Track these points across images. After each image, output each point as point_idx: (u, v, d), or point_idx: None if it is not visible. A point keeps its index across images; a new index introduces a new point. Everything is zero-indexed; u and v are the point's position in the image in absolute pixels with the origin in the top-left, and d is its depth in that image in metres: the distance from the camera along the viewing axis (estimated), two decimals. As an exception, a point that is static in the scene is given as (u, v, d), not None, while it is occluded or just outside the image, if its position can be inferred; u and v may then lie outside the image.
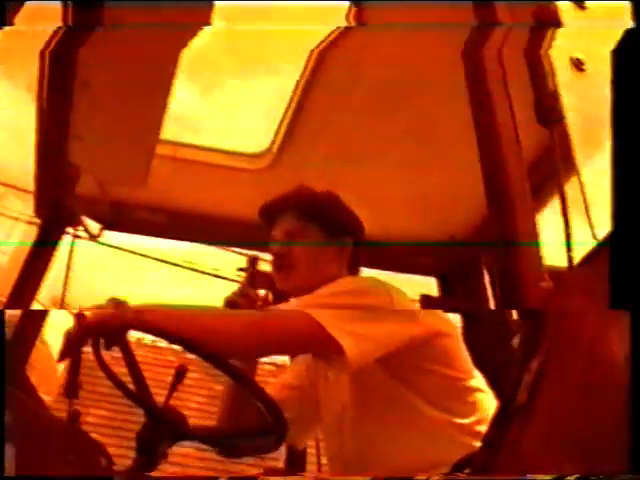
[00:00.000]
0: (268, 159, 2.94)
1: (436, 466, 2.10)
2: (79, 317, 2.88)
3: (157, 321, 1.98)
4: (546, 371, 1.38)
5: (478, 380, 2.25)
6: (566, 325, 1.42)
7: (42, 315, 2.91)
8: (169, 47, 2.36)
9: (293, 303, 2.27)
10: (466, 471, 1.63)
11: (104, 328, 1.99)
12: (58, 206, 2.85)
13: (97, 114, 2.55)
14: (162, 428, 1.99)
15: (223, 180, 2.98)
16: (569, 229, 1.64)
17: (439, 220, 3.17)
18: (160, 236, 3.20)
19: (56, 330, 2.99)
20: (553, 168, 1.73)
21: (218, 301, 2.50)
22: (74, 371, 2.79)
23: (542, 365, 1.39)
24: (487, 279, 3.21)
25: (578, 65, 1.70)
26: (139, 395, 2.03)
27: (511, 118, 1.78)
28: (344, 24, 2.40)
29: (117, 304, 2.04)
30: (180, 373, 2.02)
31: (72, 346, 2.05)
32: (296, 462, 2.99)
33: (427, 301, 3.25)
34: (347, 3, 2.27)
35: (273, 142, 2.91)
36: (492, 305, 3.17)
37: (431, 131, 2.73)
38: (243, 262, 2.74)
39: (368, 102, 2.65)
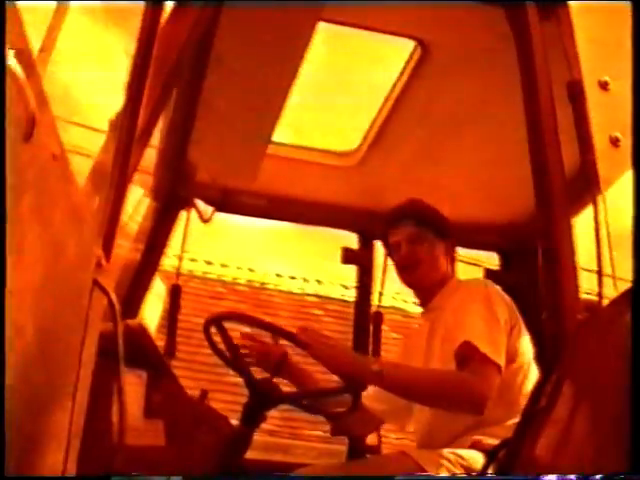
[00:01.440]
0: (356, 158, 3.39)
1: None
2: (173, 288, 3.39)
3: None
4: (562, 383, 1.84)
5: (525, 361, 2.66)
6: (582, 351, 1.86)
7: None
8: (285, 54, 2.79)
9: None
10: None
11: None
12: (173, 194, 3.36)
13: (216, 122, 3.01)
14: (264, 398, 2.54)
15: (317, 174, 3.45)
16: (601, 264, 2.03)
17: (501, 206, 3.62)
18: (261, 217, 3.70)
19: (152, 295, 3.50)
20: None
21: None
22: (172, 334, 3.29)
23: (560, 378, 1.85)
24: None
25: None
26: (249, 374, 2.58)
27: (555, 133, 2.18)
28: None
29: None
30: (281, 361, 2.55)
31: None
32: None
33: (489, 274, 3.74)
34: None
35: (362, 143, 3.35)
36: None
37: (498, 136, 3.16)
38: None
39: (444, 116, 3.08)
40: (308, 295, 11.49)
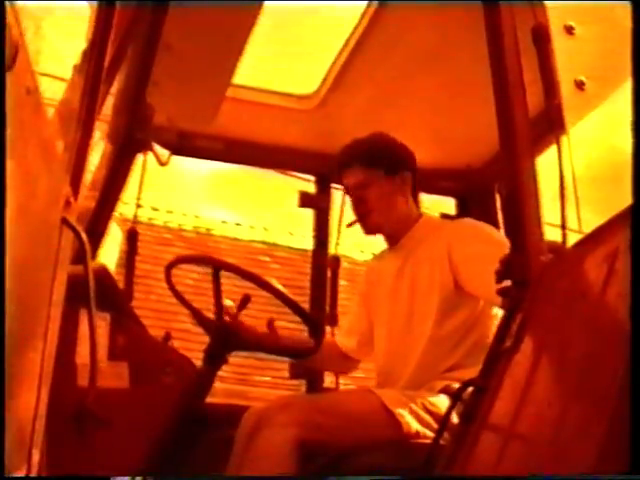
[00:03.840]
0: (315, 101, 3.35)
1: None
2: (130, 232, 3.34)
3: None
4: (527, 323, 1.86)
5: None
6: (546, 292, 1.89)
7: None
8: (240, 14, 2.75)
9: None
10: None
11: None
12: (130, 138, 3.29)
13: (176, 64, 2.95)
14: (225, 342, 2.53)
15: (275, 117, 3.42)
16: (564, 209, 2.05)
17: (459, 150, 3.64)
18: (218, 160, 3.66)
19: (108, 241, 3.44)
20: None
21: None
22: (130, 280, 3.20)
23: (524, 318, 1.87)
24: (498, 202, 3.69)
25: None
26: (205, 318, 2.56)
27: (520, 75, 2.15)
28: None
29: None
30: (245, 300, 2.53)
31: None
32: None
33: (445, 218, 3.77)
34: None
35: (321, 86, 3.32)
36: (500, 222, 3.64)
37: (456, 82, 3.15)
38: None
39: (405, 59, 3.04)
40: (255, 242, 11.50)
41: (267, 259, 11.05)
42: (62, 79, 2.61)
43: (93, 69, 1.63)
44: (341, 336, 3.09)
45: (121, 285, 3.09)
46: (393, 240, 2.91)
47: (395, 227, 2.87)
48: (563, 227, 2.01)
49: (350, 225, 3.01)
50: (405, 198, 2.88)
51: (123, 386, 2.22)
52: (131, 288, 3.22)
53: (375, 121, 3.32)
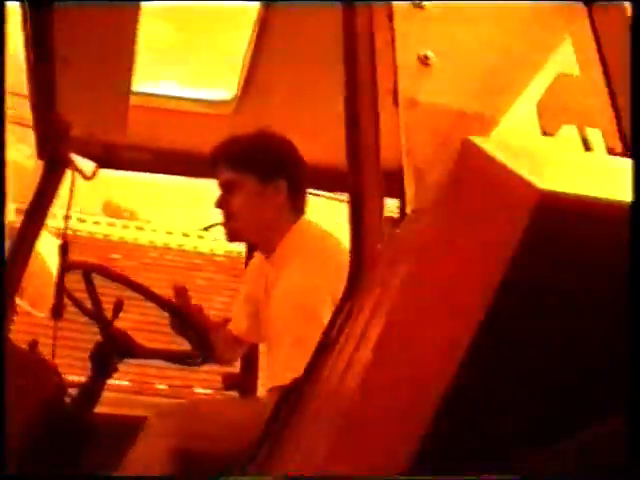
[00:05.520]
0: (233, 105, 3.31)
1: None
2: (62, 246, 3.30)
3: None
4: (352, 314, 1.79)
5: None
6: (378, 279, 1.81)
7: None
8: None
9: None
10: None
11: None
12: (55, 151, 3.29)
13: (74, 76, 2.94)
14: (112, 347, 2.50)
15: (197, 124, 3.39)
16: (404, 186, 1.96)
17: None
18: (147, 172, 3.66)
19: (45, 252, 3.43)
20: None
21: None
22: (59, 293, 3.09)
23: (351, 308, 1.80)
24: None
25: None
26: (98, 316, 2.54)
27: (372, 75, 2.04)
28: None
29: None
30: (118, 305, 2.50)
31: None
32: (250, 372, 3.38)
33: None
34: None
35: (237, 91, 3.27)
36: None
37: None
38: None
39: (308, 56, 2.92)
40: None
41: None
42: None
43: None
44: (233, 322, 2.95)
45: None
46: (267, 249, 2.68)
47: (262, 237, 2.66)
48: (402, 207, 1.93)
49: (207, 229, 2.92)
50: (276, 208, 2.64)
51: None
52: (61, 302, 3.20)
53: (293, 122, 3.27)
